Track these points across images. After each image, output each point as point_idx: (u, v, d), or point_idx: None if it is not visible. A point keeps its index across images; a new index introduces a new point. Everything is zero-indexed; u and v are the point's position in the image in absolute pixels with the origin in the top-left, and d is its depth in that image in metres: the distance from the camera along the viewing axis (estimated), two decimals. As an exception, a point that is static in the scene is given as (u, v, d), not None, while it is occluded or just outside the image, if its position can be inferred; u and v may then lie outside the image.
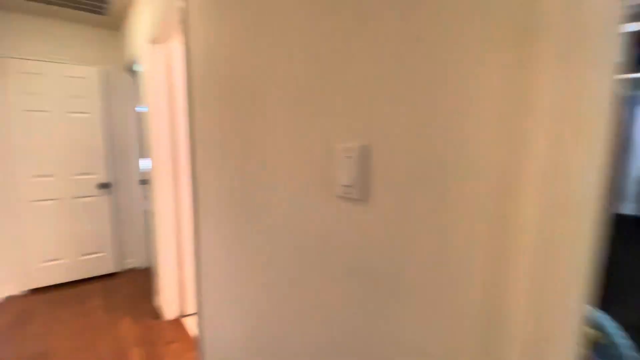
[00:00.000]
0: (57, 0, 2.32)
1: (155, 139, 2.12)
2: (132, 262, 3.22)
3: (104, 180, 2.92)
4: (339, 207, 0.63)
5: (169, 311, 2.29)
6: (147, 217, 3.34)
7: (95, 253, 2.97)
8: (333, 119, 0.63)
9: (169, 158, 2.15)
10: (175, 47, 2.06)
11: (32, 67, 2.56)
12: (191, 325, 2.20)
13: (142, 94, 2.37)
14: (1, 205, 2.56)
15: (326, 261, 0.68)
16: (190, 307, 2.33)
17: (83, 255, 2.91)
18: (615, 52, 0.33)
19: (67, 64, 2.68)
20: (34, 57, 2.58)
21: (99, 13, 2.54)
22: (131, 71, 2.95)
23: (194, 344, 2.02)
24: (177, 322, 2.27)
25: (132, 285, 2.87)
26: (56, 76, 2.64)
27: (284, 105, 0.77)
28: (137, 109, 3.07)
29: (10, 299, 2.62)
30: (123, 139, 3.04)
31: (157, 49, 2.04)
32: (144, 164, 3.18)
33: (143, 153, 3.14)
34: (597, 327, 0.83)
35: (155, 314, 2.37)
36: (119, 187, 3.06)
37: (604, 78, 0.33)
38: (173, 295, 2.29)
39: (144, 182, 3.16)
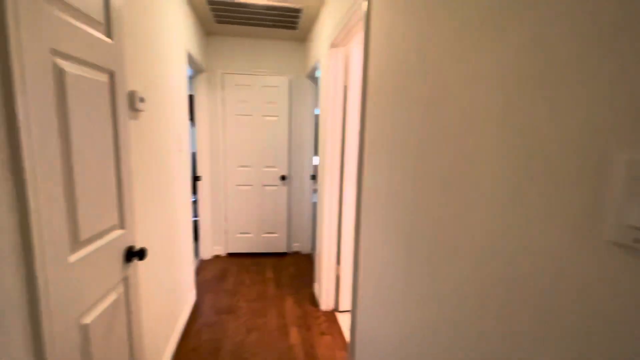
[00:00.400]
0: (263, 22, 2.81)
1: (325, 138, 2.25)
2: (298, 246, 3.64)
3: (284, 173, 3.40)
4: (615, 260, 0.38)
5: (325, 302, 2.42)
6: (314, 209, 3.70)
7: (272, 233, 3.50)
8: (609, 104, 0.38)
9: (336, 157, 2.24)
10: (353, 49, 2.10)
11: (241, 80, 3.22)
12: (344, 322, 2.24)
13: (320, 97, 2.57)
14: (217, 187, 3.38)
15: (560, 339, 0.44)
16: (344, 304, 2.38)
17: (264, 233, 3.49)
18: None
19: (264, 75, 3.24)
20: (243, 72, 3.23)
21: (292, 28, 2.93)
22: (312, 78, 3.28)
23: (344, 343, 2.04)
24: (331, 315, 2.37)
25: (296, 267, 3.23)
26: (257, 86, 3.24)
27: (493, 99, 0.57)
28: (314, 112, 3.41)
29: (217, 258, 3.44)
30: (300, 138, 3.44)
31: (335, 52, 2.14)
32: (315, 160, 3.51)
33: (315, 151, 3.47)
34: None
35: (313, 301, 2.56)
36: (294, 180, 3.49)
37: None
38: (329, 288, 2.40)
39: (314, 177, 3.49)
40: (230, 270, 3.14)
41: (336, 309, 2.42)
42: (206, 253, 3.40)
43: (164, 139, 1.80)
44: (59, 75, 0.78)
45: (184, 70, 2.24)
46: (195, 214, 3.47)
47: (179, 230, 2.10)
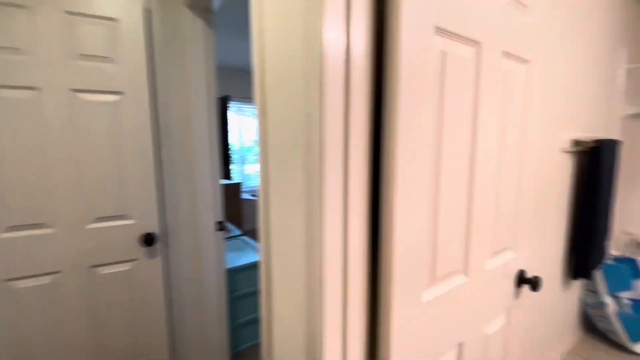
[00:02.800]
0: None
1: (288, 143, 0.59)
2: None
3: (150, 228, 1.47)
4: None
5: None
6: (230, 293, 1.84)
7: (132, 370, 1.50)
8: None
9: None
10: None
11: None
12: None
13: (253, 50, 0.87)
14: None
15: None
16: None
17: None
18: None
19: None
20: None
21: None
22: (205, 11, 1.52)
23: None
24: None
25: None
26: (56, 12, 1.26)
27: None
28: (213, 87, 1.62)
29: None
30: (184, 144, 1.59)
31: None
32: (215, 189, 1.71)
33: (224, 172, 1.68)
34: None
35: None
36: (178, 239, 1.60)
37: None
38: None
39: (222, 224, 1.67)
40: None
41: None
42: None
43: None
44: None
45: None
46: None
47: None
